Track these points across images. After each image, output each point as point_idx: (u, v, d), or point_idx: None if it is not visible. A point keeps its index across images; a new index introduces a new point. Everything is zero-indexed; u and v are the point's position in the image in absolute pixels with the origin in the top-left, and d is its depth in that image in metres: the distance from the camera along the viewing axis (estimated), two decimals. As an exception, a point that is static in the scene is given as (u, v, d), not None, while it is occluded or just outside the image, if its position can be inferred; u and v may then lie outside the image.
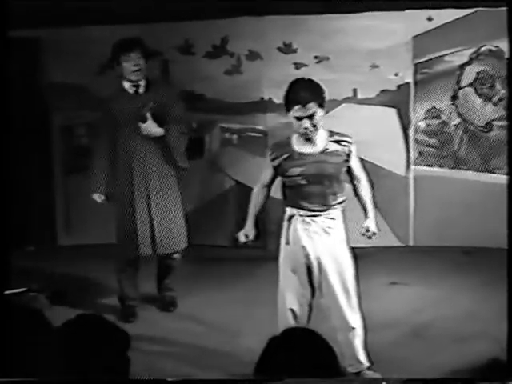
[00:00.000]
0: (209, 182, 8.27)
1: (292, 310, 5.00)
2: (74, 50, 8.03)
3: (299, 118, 4.81)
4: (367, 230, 4.96)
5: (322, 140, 4.92)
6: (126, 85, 6.28)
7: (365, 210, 5.02)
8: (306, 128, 4.82)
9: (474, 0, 7.53)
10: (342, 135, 4.97)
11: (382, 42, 7.81)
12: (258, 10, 7.77)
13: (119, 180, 6.29)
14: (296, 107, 4.78)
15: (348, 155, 4.94)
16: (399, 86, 7.94)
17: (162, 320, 6.34)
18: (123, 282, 6.42)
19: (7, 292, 5.53)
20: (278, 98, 8.02)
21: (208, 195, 8.29)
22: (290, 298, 5.00)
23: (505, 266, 7.08)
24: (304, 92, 4.79)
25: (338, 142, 4.93)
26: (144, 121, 6.22)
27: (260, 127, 8.12)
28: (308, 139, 4.90)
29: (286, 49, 7.99)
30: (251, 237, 5.20)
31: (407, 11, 7.70)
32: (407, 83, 7.93)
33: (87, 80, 8.18)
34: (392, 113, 7.98)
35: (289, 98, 4.84)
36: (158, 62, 8.20)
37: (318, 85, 4.89)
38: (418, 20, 7.75)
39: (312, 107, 4.78)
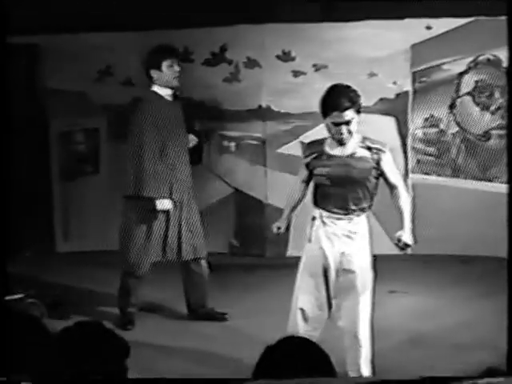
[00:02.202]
0: (207, 189, 8.26)
1: (302, 309, 4.99)
2: (72, 56, 8.03)
3: (337, 124, 4.83)
4: (399, 240, 4.91)
5: (352, 144, 4.94)
6: (164, 91, 6.26)
7: (401, 220, 4.96)
8: (341, 134, 4.85)
9: (473, 8, 7.53)
10: (375, 142, 4.99)
11: (381, 51, 7.82)
12: (256, 18, 7.78)
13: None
14: (334, 113, 4.81)
15: (377, 162, 4.94)
16: (397, 95, 7.95)
17: (161, 327, 6.33)
18: (130, 288, 6.38)
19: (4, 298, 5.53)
20: (277, 106, 8.06)
21: (206, 202, 8.28)
22: (303, 298, 5.00)
23: (503, 275, 7.10)
24: (343, 98, 4.82)
25: (369, 148, 4.95)
26: (196, 134, 6.42)
27: (258, 135, 8.13)
28: (341, 143, 4.93)
29: (285, 57, 8.00)
30: (283, 229, 5.24)
31: (406, 20, 7.70)
32: (405, 92, 7.94)
33: (86, 86, 8.20)
34: (390, 121, 7.98)
35: (327, 103, 4.86)
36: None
37: (355, 91, 4.93)
38: (416, 29, 7.76)
39: (349, 114, 4.82)
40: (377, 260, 7.14)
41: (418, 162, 8.01)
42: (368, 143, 4.95)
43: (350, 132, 4.86)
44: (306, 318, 4.99)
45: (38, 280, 7.20)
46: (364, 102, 7.80)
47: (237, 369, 5.13)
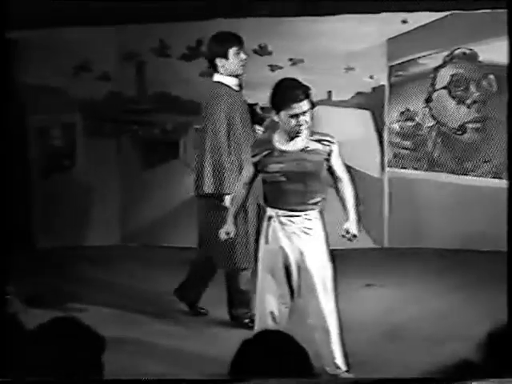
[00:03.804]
0: (183, 184, 8.26)
1: (272, 312, 5.02)
2: (49, 51, 8.00)
3: (296, 116, 4.85)
4: (347, 232, 4.99)
5: (303, 138, 4.96)
6: (229, 80, 6.09)
7: (346, 212, 5.04)
8: (301, 125, 4.87)
9: (449, 2, 7.56)
10: (324, 134, 5.04)
11: (357, 45, 7.84)
12: (233, 12, 7.78)
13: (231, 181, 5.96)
14: (294, 104, 4.83)
15: (329, 154, 4.99)
16: (374, 89, 7.97)
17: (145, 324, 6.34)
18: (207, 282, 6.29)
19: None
20: (254, 100, 8.03)
21: (183, 197, 8.27)
22: (270, 299, 5.02)
23: (479, 267, 7.17)
24: (298, 90, 4.88)
25: (319, 140, 4.98)
26: (262, 123, 6.20)
27: (235, 129, 8.12)
28: (292, 137, 4.95)
29: (261, 51, 8.00)
30: (232, 234, 5.25)
31: (382, 14, 7.73)
32: (382, 85, 7.96)
33: (62, 82, 8.16)
34: (366, 115, 8.01)
35: (284, 96, 4.88)
36: (133, 63, 8.20)
37: (304, 84, 4.98)
38: (392, 23, 7.79)
39: (306, 104, 4.87)
40: (353, 254, 7.21)
41: (395, 155, 8.04)
42: (318, 136, 5.00)
43: (306, 122, 4.90)
44: (274, 319, 5.01)
45: (16, 276, 7.16)
46: (341, 96, 8.00)
47: (214, 365, 5.14)
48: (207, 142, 6.01)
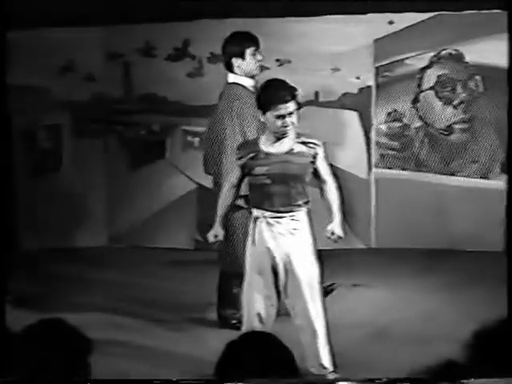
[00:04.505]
0: (170, 184, 8.26)
1: (259, 313, 5.02)
2: (33, 51, 7.96)
3: (282, 116, 4.86)
4: (332, 233, 5.01)
5: (288, 140, 4.98)
6: (245, 81, 6.01)
7: (331, 213, 5.05)
8: (287, 126, 4.88)
9: (435, 3, 7.58)
10: (310, 137, 5.05)
11: (344, 46, 7.84)
12: (219, 13, 7.77)
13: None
14: (280, 105, 4.85)
15: (314, 157, 5.01)
16: (361, 89, 7.98)
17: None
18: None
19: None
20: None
21: (169, 198, 8.27)
22: (257, 300, 5.02)
23: (465, 268, 7.18)
24: (285, 91, 4.91)
25: (304, 143, 5.00)
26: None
27: (222, 130, 8.11)
28: (278, 139, 4.97)
29: (248, 51, 7.99)
30: (220, 237, 5.25)
31: (369, 15, 7.74)
32: (369, 86, 7.97)
33: (47, 82, 8.13)
34: (353, 116, 8.01)
35: (270, 97, 4.90)
36: (119, 64, 8.18)
37: (291, 84, 5.01)
38: (379, 23, 7.79)
39: (292, 105, 4.89)
40: (340, 254, 7.22)
41: (382, 156, 8.04)
42: (303, 139, 5.02)
43: (293, 123, 4.91)
44: (261, 320, 5.02)
45: (1, 278, 7.13)
46: (327, 96, 8.00)
47: (201, 366, 5.13)
48: (228, 147, 5.89)
